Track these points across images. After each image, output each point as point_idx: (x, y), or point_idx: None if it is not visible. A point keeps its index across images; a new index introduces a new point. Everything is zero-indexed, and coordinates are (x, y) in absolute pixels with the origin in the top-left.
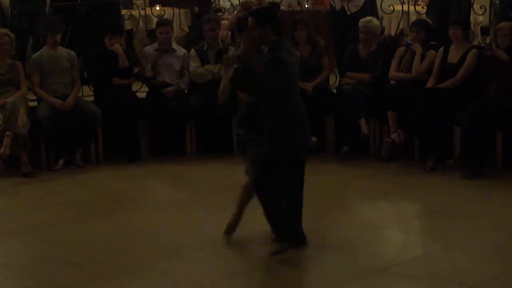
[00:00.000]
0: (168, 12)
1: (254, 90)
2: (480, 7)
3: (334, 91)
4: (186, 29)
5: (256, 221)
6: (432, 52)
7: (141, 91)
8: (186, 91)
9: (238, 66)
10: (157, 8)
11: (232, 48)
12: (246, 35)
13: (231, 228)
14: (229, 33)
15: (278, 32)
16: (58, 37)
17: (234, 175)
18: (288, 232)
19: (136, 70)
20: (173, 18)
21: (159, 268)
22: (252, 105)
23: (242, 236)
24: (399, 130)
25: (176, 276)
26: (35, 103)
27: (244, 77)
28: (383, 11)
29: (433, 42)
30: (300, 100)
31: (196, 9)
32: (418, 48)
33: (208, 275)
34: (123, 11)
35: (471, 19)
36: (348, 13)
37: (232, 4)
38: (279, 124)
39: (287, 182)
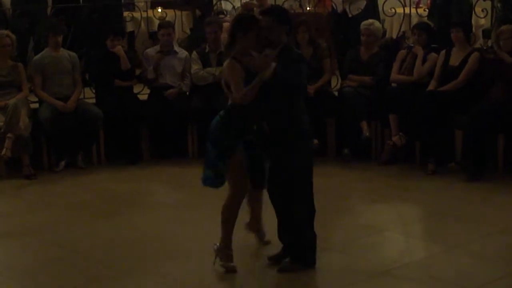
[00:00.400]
0: (170, 14)
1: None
2: (482, 10)
3: (336, 93)
4: (188, 31)
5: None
6: (434, 55)
7: (142, 93)
8: (187, 93)
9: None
10: (159, 10)
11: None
12: (252, 36)
13: (223, 255)
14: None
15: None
16: (60, 38)
17: None
18: (306, 251)
19: (137, 72)
20: (175, 20)
21: (161, 269)
22: (236, 109)
23: (244, 238)
24: (401, 133)
25: (178, 277)
26: (36, 105)
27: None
28: (384, 13)
29: (434, 45)
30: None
31: (198, 11)
32: (419, 51)
33: (210, 276)
34: (125, 13)
35: (473, 21)
36: (350, 15)
37: (233, 7)
38: (302, 123)
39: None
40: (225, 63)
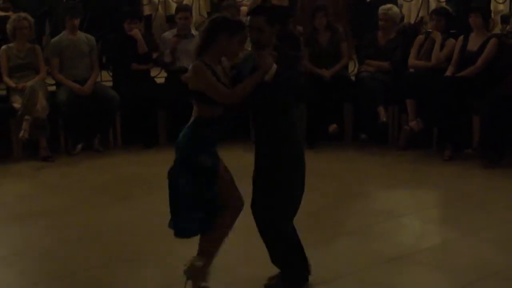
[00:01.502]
0: None
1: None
2: None
3: (353, 78)
4: (205, 15)
5: None
6: (452, 40)
7: (159, 76)
8: None
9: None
10: None
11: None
12: (235, 41)
13: (200, 274)
14: (248, 19)
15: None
16: (77, 21)
17: (251, 162)
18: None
19: (154, 55)
20: (192, 4)
21: (177, 252)
22: (206, 120)
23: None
24: (418, 118)
25: None
26: (54, 88)
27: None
28: None
29: (453, 31)
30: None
31: None
32: (438, 36)
33: (225, 259)
34: None
35: (492, 7)
36: (368, 0)
37: None
38: (295, 134)
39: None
40: (191, 68)
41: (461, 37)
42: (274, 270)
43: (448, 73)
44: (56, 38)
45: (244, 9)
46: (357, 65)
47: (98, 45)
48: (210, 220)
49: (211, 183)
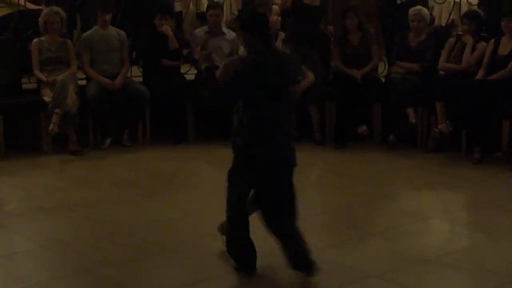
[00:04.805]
0: None
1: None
2: None
3: (383, 79)
4: (236, 13)
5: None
6: (483, 43)
7: (189, 73)
8: None
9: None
10: None
11: (281, 34)
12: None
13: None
14: (279, 18)
15: (265, 40)
16: (109, 17)
17: None
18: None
19: (185, 52)
20: (223, 1)
21: (204, 248)
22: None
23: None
24: (447, 121)
25: (222, 257)
26: (84, 82)
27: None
28: (435, 0)
29: (484, 34)
30: (282, 116)
31: None
32: (469, 40)
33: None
34: None
35: None
36: (399, 1)
37: None
38: (251, 133)
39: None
40: None
41: (492, 41)
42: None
43: (478, 76)
44: (87, 33)
45: (276, 7)
46: (387, 66)
47: (129, 41)
48: None
49: None
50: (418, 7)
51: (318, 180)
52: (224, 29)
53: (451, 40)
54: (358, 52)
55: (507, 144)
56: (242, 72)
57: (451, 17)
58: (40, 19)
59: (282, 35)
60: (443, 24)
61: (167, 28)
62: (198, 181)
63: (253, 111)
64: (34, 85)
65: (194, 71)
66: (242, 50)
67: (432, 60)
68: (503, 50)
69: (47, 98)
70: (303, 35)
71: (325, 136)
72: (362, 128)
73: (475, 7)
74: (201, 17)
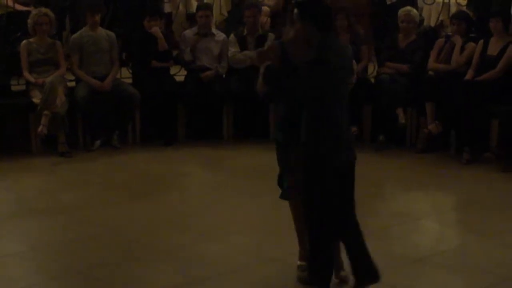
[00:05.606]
0: None
1: (287, 90)
2: None
3: (372, 80)
4: (226, 14)
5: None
6: (472, 44)
7: (179, 74)
8: (224, 76)
9: (270, 64)
10: None
11: (271, 35)
12: (295, 27)
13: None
14: (269, 19)
15: (325, 28)
16: (98, 18)
17: (271, 160)
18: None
19: (175, 53)
20: (213, 2)
21: (195, 250)
22: (290, 107)
23: (278, 222)
24: (436, 121)
25: (212, 258)
26: (73, 83)
27: (276, 76)
28: (423, 1)
29: (473, 34)
30: (345, 110)
31: None
32: (458, 40)
33: (243, 259)
34: None
35: None
36: (388, 2)
37: None
38: (315, 132)
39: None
40: None
41: (481, 41)
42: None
43: (467, 77)
44: (76, 34)
45: (266, 8)
46: (376, 67)
47: (119, 42)
48: None
49: None
50: (408, 8)
51: None
52: (214, 30)
53: (440, 40)
54: None
55: (496, 144)
56: (311, 71)
57: (440, 17)
58: (28, 20)
59: (271, 36)
60: (432, 24)
61: (156, 29)
62: (188, 183)
63: (317, 109)
64: (23, 87)
65: (183, 73)
66: (231, 52)
67: (421, 61)
68: (492, 50)
69: (36, 100)
70: None
71: None
72: (352, 129)
73: (464, 8)
74: (190, 18)
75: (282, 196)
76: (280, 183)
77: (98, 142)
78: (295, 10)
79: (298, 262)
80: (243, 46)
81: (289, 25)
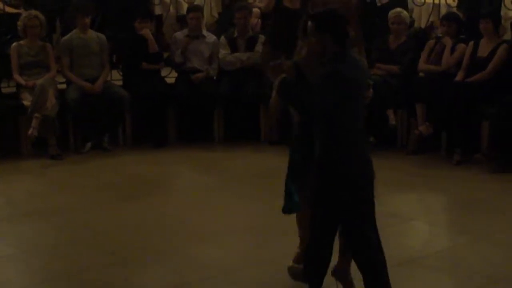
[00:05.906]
0: None
1: (304, 106)
2: None
3: None
4: (216, 16)
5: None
6: (462, 45)
7: (170, 76)
8: (215, 77)
9: (285, 76)
10: None
11: (261, 37)
12: (309, 41)
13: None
14: (259, 21)
15: (341, 40)
16: (88, 20)
17: (262, 162)
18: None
19: (165, 55)
20: (203, 4)
21: (186, 253)
22: (306, 125)
23: (268, 225)
24: (427, 123)
25: (203, 261)
26: (64, 86)
27: (293, 90)
28: (414, 3)
29: (463, 36)
30: (361, 126)
31: None
32: (448, 42)
33: (235, 261)
34: None
35: (502, 13)
36: (379, 4)
37: None
38: (330, 149)
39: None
40: None
41: (471, 43)
42: (280, 272)
43: (458, 78)
44: (67, 36)
45: (256, 10)
46: None
47: (109, 44)
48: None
49: None
50: (398, 9)
51: None
52: (204, 32)
53: (431, 42)
54: None
55: (487, 145)
56: (324, 85)
57: (431, 19)
58: (19, 22)
59: (262, 37)
60: (423, 26)
61: (146, 31)
62: (178, 185)
63: (334, 122)
64: (14, 89)
65: (174, 74)
66: (221, 53)
67: (411, 62)
68: (482, 52)
69: (26, 102)
70: (282, 38)
71: None
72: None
73: (454, 9)
74: (181, 20)
75: (287, 211)
76: (288, 194)
77: (89, 145)
78: (309, 23)
79: (291, 263)
80: (233, 48)
81: (301, 40)
